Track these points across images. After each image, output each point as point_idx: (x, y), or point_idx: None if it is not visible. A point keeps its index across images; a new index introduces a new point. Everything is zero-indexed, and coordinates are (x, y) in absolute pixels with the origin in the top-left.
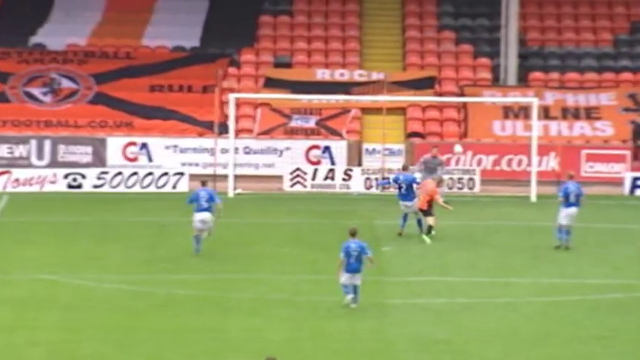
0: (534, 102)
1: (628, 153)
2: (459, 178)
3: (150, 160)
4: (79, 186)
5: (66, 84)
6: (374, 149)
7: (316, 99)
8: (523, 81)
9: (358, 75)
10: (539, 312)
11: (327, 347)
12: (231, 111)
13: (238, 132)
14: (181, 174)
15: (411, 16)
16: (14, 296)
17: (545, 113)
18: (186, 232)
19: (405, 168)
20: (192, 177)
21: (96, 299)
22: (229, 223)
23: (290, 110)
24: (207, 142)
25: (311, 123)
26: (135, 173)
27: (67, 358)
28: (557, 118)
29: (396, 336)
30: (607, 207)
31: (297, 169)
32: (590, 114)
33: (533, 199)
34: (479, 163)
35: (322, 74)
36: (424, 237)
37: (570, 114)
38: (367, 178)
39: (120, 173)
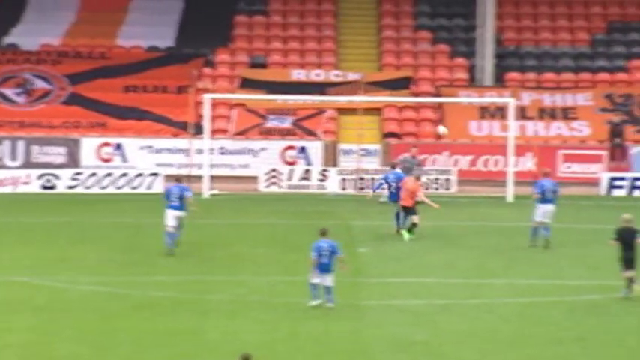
0: (511, 102)
1: (605, 153)
2: (436, 179)
3: (124, 160)
4: (53, 187)
5: (40, 84)
6: (350, 150)
7: (292, 99)
8: (499, 81)
9: (334, 75)
10: (517, 313)
11: (304, 349)
12: (206, 111)
13: (213, 132)
14: (156, 175)
15: (387, 16)
16: None
17: (522, 113)
18: (162, 233)
19: (393, 166)
20: (167, 178)
21: (71, 301)
22: (205, 224)
23: (265, 111)
24: (182, 142)
25: (287, 123)
26: (109, 174)
27: None
28: (533, 119)
29: (373, 337)
30: (584, 207)
31: (273, 169)
32: (566, 114)
33: (510, 199)
34: (455, 163)
35: (298, 74)
36: (403, 232)
37: (547, 114)
38: (343, 179)
39: (94, 174)
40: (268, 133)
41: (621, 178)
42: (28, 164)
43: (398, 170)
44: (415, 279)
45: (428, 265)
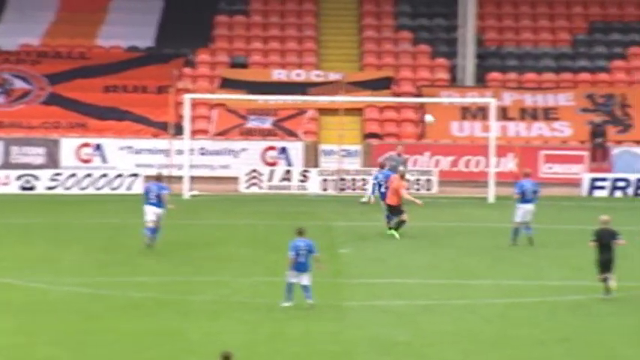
0: (492, 102)
1: (586, 154)
2: (417, 179)
3: (104, 161)
4: (32, 188)
5: (19, 84)
6: (331, 150)
7: (273, 99)
8: (481, 81)
9: (315, 75)
10: (499, 314)
11: (286, 350)
12: (186, 112)
13: (194, 133)
14: (136, 175)
15: (368, 16)
16: None
17: (503, 114)
18: (142, 234)
19: (382, 166)
20: (147, 178)
21: (51, 302)
22: (186, 224)
23: (246, 111)
24: (162, 143)
25: (267, 124)
26: (89, 175)
27: None
28: (515, 119)
29: (355, 338)
30: (566, 208)
31: (254, 170)
32: (548, 115)
33: (491, 200)
34: (436, 164)
35: (279, 74)
36: (393, 232)
37: (528, 115)
38: (324, 180)
39: (74, 175)
40: (249, 134)
41: (603, 179)
42: (7, 165)
43: (386, 169)
44: (397, 280)
45: (410, 266)
